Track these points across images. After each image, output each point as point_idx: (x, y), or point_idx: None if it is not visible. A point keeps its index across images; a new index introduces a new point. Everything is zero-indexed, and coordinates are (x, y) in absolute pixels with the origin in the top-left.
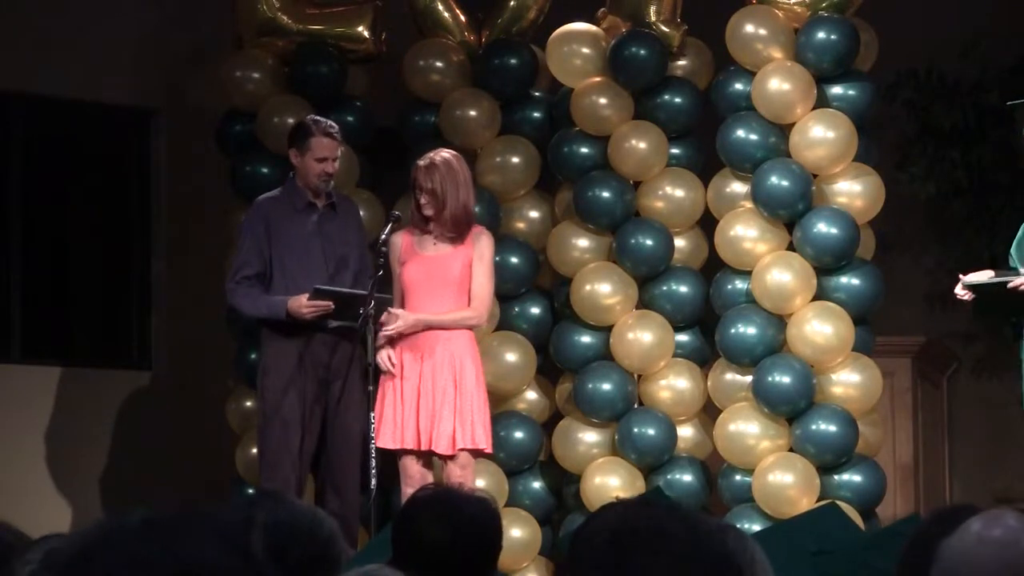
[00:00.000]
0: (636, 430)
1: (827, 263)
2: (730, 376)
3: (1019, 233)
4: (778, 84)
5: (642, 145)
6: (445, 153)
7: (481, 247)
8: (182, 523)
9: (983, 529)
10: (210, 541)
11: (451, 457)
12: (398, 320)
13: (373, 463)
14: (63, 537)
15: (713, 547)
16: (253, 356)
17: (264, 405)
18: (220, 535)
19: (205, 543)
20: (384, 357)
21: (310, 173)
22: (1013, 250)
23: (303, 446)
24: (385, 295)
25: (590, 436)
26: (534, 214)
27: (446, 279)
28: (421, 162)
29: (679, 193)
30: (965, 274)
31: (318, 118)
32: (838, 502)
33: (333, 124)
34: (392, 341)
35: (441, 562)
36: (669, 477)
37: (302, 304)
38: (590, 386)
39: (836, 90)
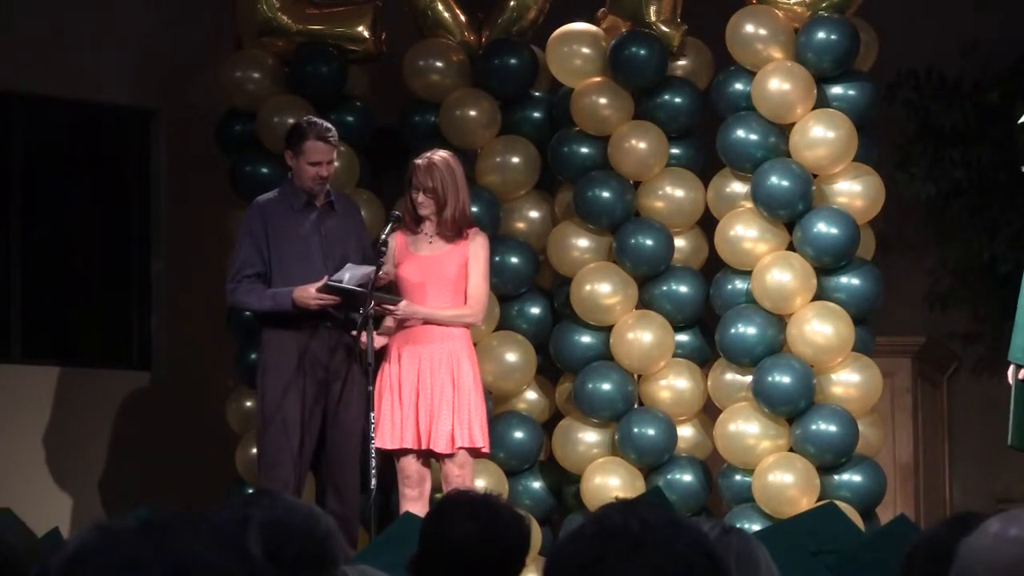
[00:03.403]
0: (636, 430)
1: (827, 263)
2: (730, 376)
3: None
4: (778, 84)
5: (642, 145)
6: (443, 153)
7: (476, 248)
8: (177, 524)
9: (1002, 529)
10: (205, 541)
11: (449, 456)
12: (398, 306)
13: (373, 463)
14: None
15: (695, 551)
16: (253, 356)
17: (264, 405)
18: (215, 535)
19: (200, 543)
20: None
21: (304, 176)
22: None
23: (303, 446)
24: (393, 296)
25: (590, 436)
26: (534, 214)
27: (442, 279)
28: (419, 161)
29: (679, 193)
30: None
31: (315, 120)
32: (836, 502)
33: (330, 127)
34: (389, 339)
35: (466, 559)
36: (669, 477)
37: (310, 295)
38: (590, 386)
39: (836, 90)
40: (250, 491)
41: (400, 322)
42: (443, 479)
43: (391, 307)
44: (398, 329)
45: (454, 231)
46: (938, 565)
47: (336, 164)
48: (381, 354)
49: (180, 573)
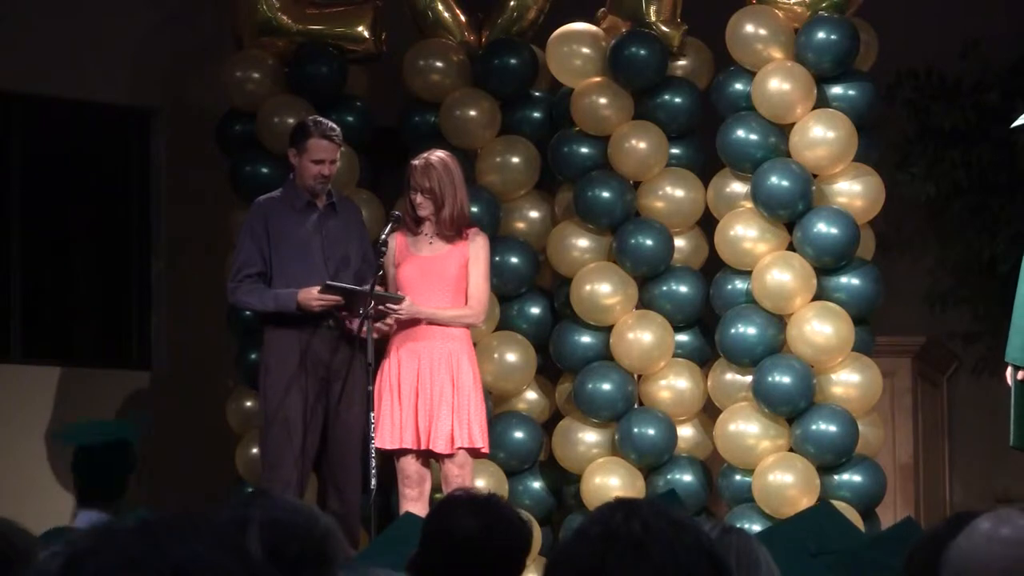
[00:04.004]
0: (636, 430)
1: (827, 263)
2: (730, 376)
3: None
4: (778, 84)
5: (642, 145)
6: (440, 153)
7: (477, 248)
8: (176, 524)
9: (992, 528)
10: (204, 541)
11: (449, 456)
12: (401, 305)
13: (373, 463)
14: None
15: (698, 554)
16: (253, 356)
17: (266, 405)
18: (215, 535)
19: (199, 543)
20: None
21: (306, 174)
22: None
23: (305, 445)
24: (395, 295)
25: (590, 436)
26: (534, 214)
27: (442, 279)
28: (416, 162)
29: (679, 193)
30: None
31: (320, 119)
32: (834, 502)
33: (335, 127)
34: (388, 339)
35: (468, 558)
36: (669, 477)
37: (312, 296)
38: (590, 386)
39: (836, 90)
40: (248, 491)
41: (400, 322)
42: (443, 479)
43: (394, 305)
44: (398, 329)
45: (453, 231)
46: (938, 564)
47: (339, 164)
48: (381, 354)
49: (180, 573)
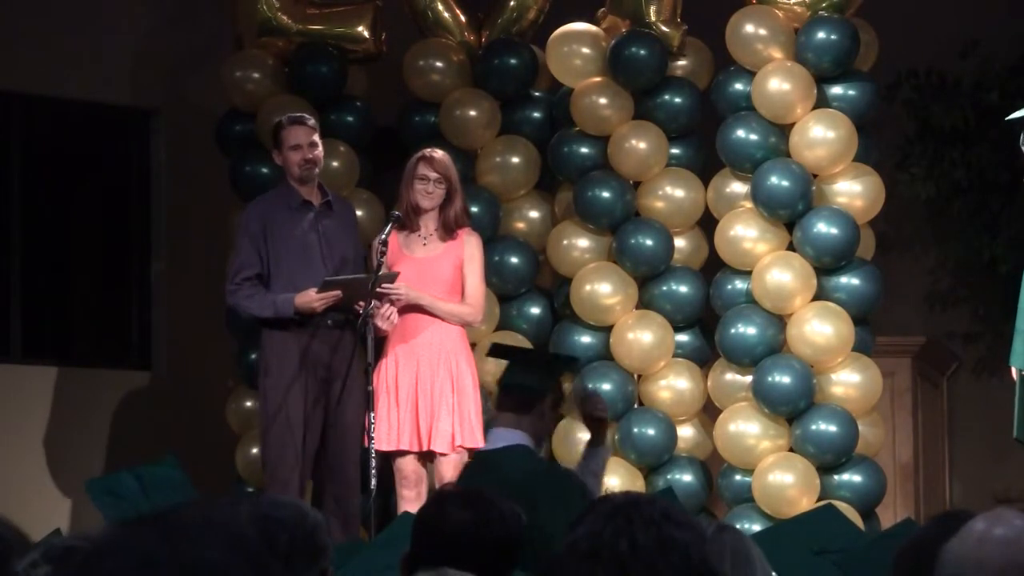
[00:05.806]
0: (636, 430)
1: (827, 263)
2: (730, 376)
3: None
4: (778, 84)
5: (642, 145)
6: (440, 151)
7: (471, 248)
8: (192, 525)
9: (986, 529)
10: (219, 542)
11: (447, 456)
12: (400, 289)
13: (373, 463)
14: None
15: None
16: (253, 356)
17: (266, 405)
18: (230, 536)
19: (214, 544)
20: (384, 315)
21: (291, 165)
22: None
23: (305, 446)
24: (392, 273)
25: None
26: (534, 214)
27: (437, 280)
28: (422, 153)
29: (679, 193)
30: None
31: (289, 114)
32: (832, 501)
33: (306, 115)
34: (386, 338)
35: (460, 551)
36: (669, 477)
37: (312, 297)
38: (590, 386)
39: (836, 90)
40: (235, 493)
41: (398, 320)
42: (439, 479)
43: (390, 287)
44: (395, 327)
45: (456, 227)
46: (927, 564)
47: (321, 149)
48: (379, 354)
49: (194, 573)
